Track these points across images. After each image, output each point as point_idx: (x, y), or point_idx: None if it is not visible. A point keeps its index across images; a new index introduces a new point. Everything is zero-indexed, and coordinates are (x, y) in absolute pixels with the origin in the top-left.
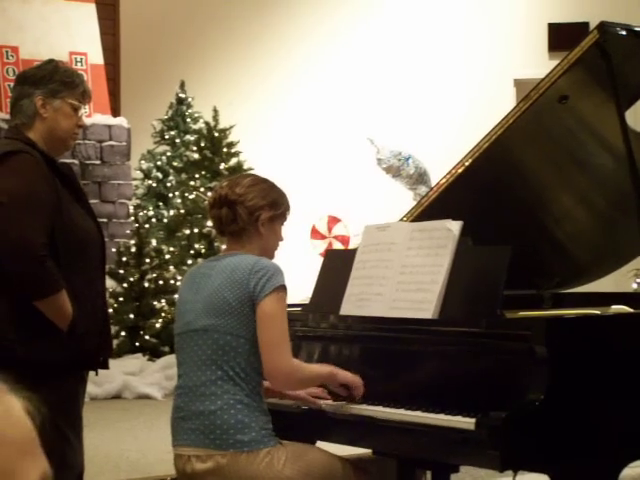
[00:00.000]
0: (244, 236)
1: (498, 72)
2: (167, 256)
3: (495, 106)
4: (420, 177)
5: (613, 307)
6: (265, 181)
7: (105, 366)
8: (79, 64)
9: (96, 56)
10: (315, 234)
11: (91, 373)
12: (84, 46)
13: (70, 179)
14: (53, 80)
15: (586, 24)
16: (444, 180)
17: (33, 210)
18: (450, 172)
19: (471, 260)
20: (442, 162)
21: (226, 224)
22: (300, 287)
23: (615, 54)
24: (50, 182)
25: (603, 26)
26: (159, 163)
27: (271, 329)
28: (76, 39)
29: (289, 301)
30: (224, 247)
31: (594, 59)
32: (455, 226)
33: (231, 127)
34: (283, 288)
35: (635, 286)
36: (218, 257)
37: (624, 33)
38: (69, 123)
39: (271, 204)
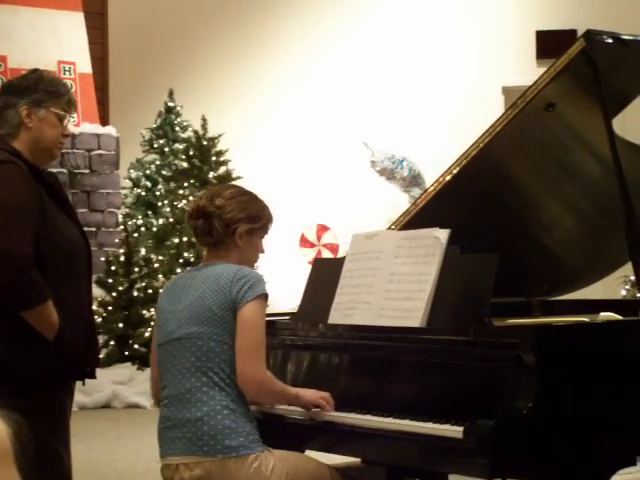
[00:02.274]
0: (221, 248)
1: (487, 80)
2: (156, 265)
3: (484, 113)
4: (414, 179)
5: (602, 314)
6: (246, 193)
7: (92, 376)
8: (67, 73)
9: (84, 65)
10: (304, 242)
11: (78, 383)
12: (72, 55)
13: (56, 189)
14: (38, 90)
15: (574, 31)
16: (432, 188)
17: (18, 220)
18: (438, 180)
19: (458, 268)
20: (435, 166)
21: (201, 235)
22: (289, 295)
23: (601, 62)
24: (35, 192)
25: (589, 34)
26: (148, 172)
27: (248, 335)
28: (64, 48)
29: (278, 309)
30: (205, 256)
31: (580, 67)
32: (442, 234)
33: (219, 135)
34: (264, 296)
35: (624, 293)
36: (198, 267)
37: (610, 41)
38: (54, 132)
39: (249, 217)
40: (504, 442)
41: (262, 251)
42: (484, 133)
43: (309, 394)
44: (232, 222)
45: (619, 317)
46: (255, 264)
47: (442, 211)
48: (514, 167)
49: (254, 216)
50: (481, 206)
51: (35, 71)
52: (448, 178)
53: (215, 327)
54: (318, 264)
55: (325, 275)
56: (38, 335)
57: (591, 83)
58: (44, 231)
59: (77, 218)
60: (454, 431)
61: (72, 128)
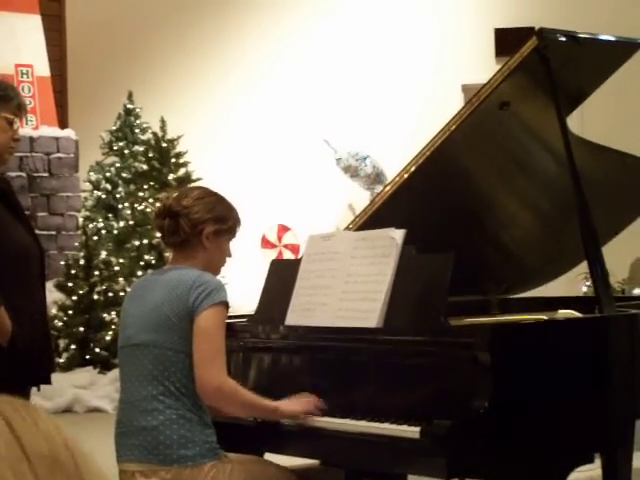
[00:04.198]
0: (187, 249)
1: (446, 78)
2: (116, 268)
3: (444, 111)
4: (377, 177)
5: (560, 312)
6: (214, 195)
7: (47, 381)
8: (25, 76)
9: (42, 68)
10: (265, 243)
11: (34, 388)
12: (30, 58)
13: (6, 193)
14: None
15: (532, 29)
16: (388, 187)
17: None
18: (394, 180)
19: (414, 268)
20: (396, 164)
21: (168, 235)
22: (251, 297)
23: (554, 59)
24: None
25: (542, 32)
26: (108, 174)
27: (204, 344)
28: (22, 51)
29: (239, 311)
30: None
31: (534, 65)
32: (398, 234)
33: (179, 137)
34: (223, 304)
35: (585, 289)
36: (162, 270)
37: (563, 39)
38: (4, 137)
39: (217, 218)
40: (461, 442)
41: (229, 255)
42: (439, 132)
43: (291, 407)
44: (199, 222)
45: (578, 314)
46: (221, 268)
47: (399, 211)
48: (470, 165)
49: (221, 217)
50: (438, 205)
51: None
52: (405, 176)
53: (172, 336)
54: (275, 265)
55: (282, 276)
56: None
57: (545, 81)
58: None
59: (29, 223)
60: (411, 431)
61: (24, 131)
